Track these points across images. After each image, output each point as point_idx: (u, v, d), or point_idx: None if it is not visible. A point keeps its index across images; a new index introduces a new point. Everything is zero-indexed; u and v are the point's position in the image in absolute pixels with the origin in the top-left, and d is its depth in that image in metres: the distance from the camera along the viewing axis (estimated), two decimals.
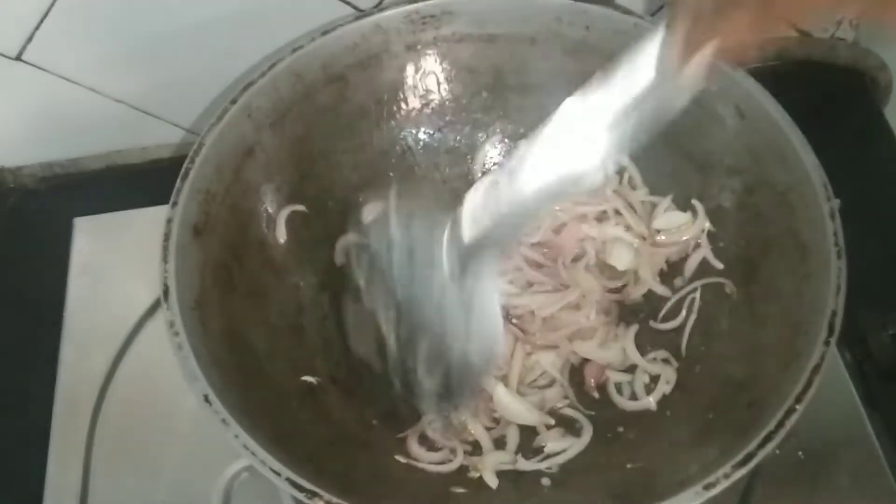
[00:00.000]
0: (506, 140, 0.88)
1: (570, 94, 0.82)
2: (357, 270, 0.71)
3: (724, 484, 0.58)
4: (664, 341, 0.78)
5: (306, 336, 0.79)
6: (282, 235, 0.80)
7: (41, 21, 0.84)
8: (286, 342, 0.77)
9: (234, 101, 0.76)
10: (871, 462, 0.75)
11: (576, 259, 0.81)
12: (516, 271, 0.81)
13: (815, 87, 0.98)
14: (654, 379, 0.75)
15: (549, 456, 0.72)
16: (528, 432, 0.74)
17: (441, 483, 0.70)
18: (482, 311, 0.61)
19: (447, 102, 0.86)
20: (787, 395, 0.60)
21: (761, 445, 0.58)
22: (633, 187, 0.84)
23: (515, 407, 0.74)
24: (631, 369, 0.77)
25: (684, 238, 0.80)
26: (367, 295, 0.69)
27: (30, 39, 0.86)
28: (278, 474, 0.60)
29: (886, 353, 0.78)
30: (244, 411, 0.64)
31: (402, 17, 0.81)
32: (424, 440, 0.73)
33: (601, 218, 0.82)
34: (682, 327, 0.78)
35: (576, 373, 0.78)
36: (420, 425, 0.74)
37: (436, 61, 0.84)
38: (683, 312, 0.78)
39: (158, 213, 0.70)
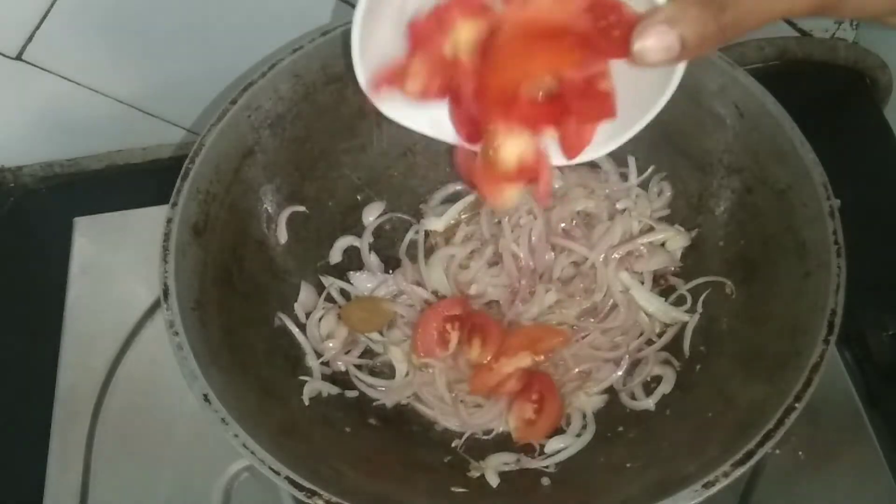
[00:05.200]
0: None
1: None
2: None
3: (724, 482, 0.58)
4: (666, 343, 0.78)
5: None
6: (282, 236, 0.80)
7: (41, 21, 0.85)
8: (286, 342, 0.77)
9: (234, 101, 0.76)
10: (871, 462, 0.75)
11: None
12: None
13: (815, 87, 0.98)
14: (655, 379, 0.75)
15: (549, 455, 0.72)
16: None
17: (441, 482, 0.70)
18: None
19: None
20: (787, 393, 0.60)
21: (761, 444, 0.58)
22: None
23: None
24: (631, 369, 0.77)
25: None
26: None
27: (30, 39, 0.86)
28: (278, 473, 0.60)
29: (886, 353, 0.78)
30: (244, 411, 0.64)
31: None
32: None
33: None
34: (683, 328, 0.77)
35: None
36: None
37: None
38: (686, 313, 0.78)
39: (158, 213, 0.70)
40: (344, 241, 0.84)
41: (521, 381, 0.75)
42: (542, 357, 0.75)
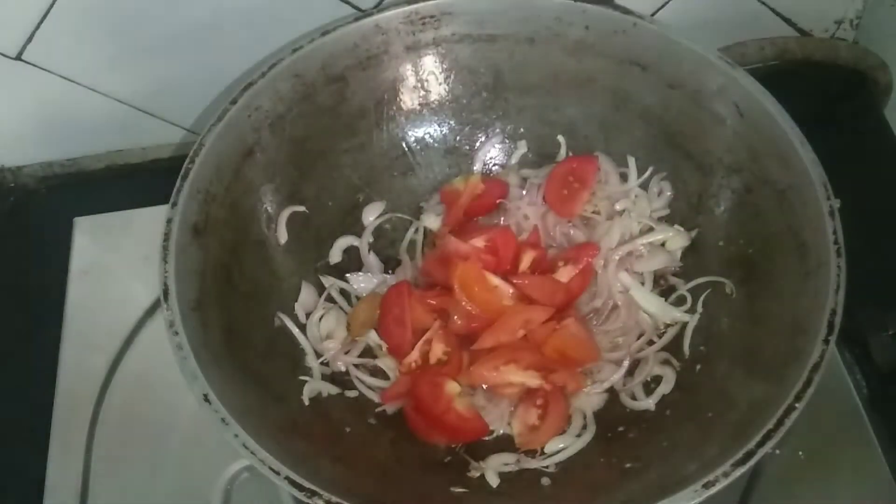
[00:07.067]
0: (506, 140, 0.88)
1: (569, 94, 0.84)
2: None
3: (724, 482, 0.58)
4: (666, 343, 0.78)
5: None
6: (283, 236, 0.80)
7: (41, 21, 0.85)
8: (286, 342, 0.77)
9: (234, 101, 0.76)
10: (871, 462, 0.75)
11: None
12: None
13: (815, 87, 0.98)
14: (655, 379, 0.75)
15: (549, 455, 0.72)
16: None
17: (441, 482, 0.70)
18: None
19: (447, 102, 0.86)
20: (787, 393, 0.60)
21: (761, 444, 0.58)
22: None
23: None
24: (631, 369, 0.77)
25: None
26: None
27: (30, 39, 0.86)
28: (278, 473, 0.60)
29: (886, 353, 0.78)
30: (244, 411, 0.64)
31: (402, 18, 0.81)
32: None
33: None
34: (683, 328, 0.77)
35: None
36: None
37: (435, 62, 0.84)
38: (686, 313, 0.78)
39: (158, 213, 0.70)
40: (344, 241, 0.84)
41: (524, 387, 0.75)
42: (551, 387, 0.74)
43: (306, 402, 0.74)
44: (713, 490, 0.58)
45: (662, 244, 0.81)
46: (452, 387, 0.73)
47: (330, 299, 0.81)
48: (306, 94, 0.80)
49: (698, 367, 0.75)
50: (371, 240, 0.85)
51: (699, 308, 0.77)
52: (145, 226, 0.89)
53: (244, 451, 0.61)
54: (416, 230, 0.85)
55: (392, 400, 0.76)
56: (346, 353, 0.78)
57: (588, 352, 0.75)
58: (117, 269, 0.91)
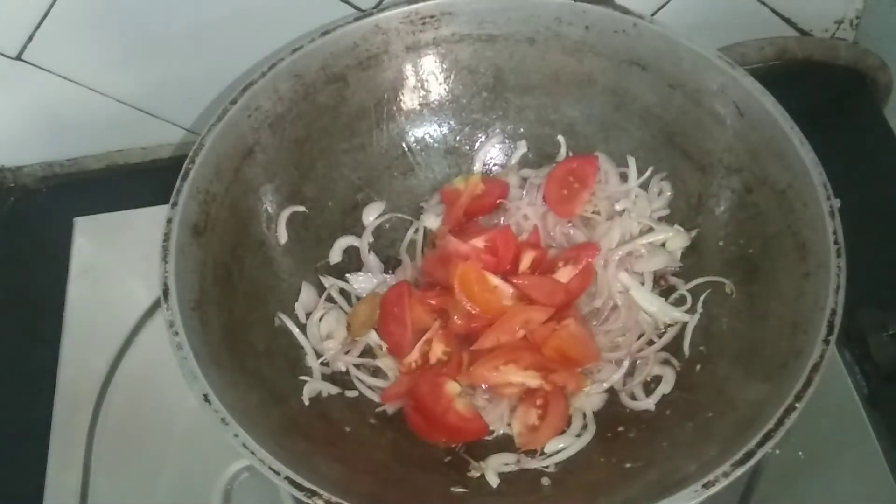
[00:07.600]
0: (506, 140, 0.88)
1: (569, 94, 0.84)
2: None
3: (724, 482, 0.58)
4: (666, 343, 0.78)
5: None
6: (283, 236, 0.80)
7: (41, 21, 0.85)
8: (286, 342, 0.77)
9: (234, 102, 0.76)
10: (871, 462, 0.75)
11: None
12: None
13: (815, 87, 0.98)
14: (655, 379, 0.75)
15: (549, 455, 0.72)
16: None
17: (441, 482, 0.70)
18: None
19: (447, 103, 0.86)
20: (787, 393, 0.60)
21: (761, 444, 0.58)
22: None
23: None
24: (631, 369, 0.77)
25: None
26: None
27: (30, 39, 0.86)
28: (278, 473, 0.60)
29: (886, 353, 0.78)
30: (244, 411, 0.64)
31: (402, 18, 0.81)
32: None
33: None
34: (683, 328, 0.77)
35: None
36: None
37: (435, 62, 0.84)
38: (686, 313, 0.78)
39: (158, 213, 0.70)
40: (344, 241, 0.84)
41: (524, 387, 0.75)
42: (551, 387, 0.74)
43: (306, 402, 0.74)
44: (713, 490, 0.58)
45: (662, 244, 0.81)
46: (452, 387, 0.73)
47: (330, 299, 0.81)
48: (306, 94, 0.80)
49: (698, 367, 0.75)
50: (371, 240, 0.85)
51: (699, 308, 0.77)
52: (145, 226, 0.89)
53: (244, 451, 0.61)
54: (416, 230, 0.85)
55: (392, 400, 0.76)
56: (346, 353, 0.78)
57: (588, 352, 0.75)
58: (117, 269, 0.91)
